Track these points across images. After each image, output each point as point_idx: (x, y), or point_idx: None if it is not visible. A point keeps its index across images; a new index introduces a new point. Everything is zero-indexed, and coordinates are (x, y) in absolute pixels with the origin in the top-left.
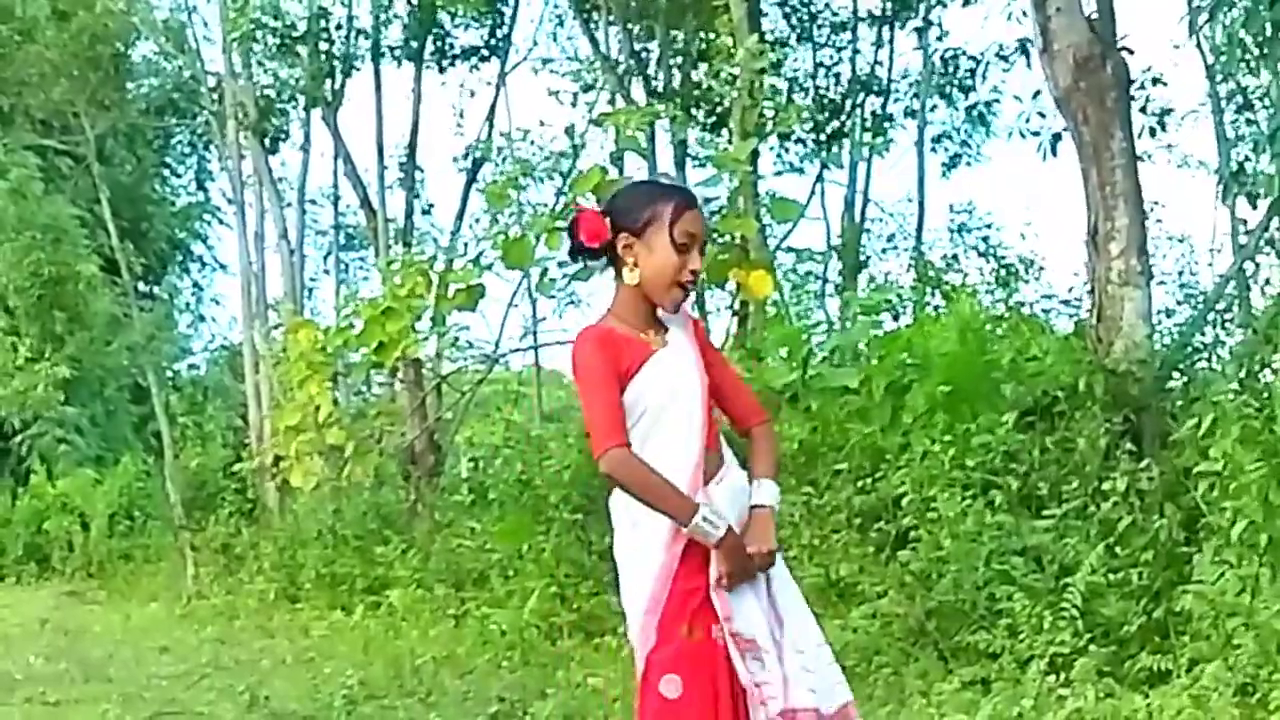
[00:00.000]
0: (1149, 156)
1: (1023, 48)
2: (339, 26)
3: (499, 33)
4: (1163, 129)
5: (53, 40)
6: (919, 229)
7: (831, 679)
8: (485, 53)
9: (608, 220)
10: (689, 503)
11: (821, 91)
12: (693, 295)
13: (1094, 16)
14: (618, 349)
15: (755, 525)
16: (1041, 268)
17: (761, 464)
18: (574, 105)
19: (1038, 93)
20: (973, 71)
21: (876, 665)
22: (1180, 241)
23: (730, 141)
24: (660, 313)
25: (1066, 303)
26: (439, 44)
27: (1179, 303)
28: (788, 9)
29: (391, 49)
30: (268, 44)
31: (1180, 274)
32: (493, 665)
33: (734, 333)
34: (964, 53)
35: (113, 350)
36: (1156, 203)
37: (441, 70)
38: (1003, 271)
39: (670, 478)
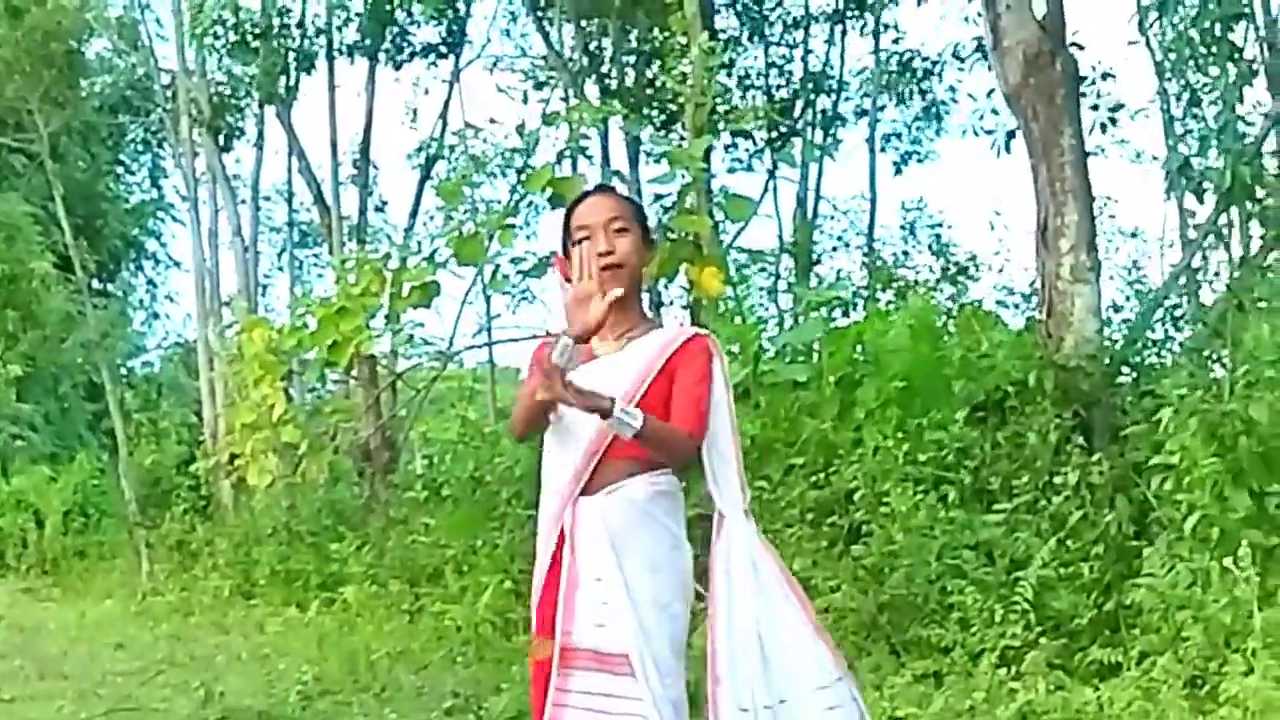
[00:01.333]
0: (1102, 151)
1: (980, 47)
2: (299, 24)
3: (454, 29)
4: (1114, 124)
5: (5, 37)
6: (870, 226)
7: None
8: (442, 49)
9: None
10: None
11: (773, 90)
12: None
13: (1044, 15)
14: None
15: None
16: (998, 265)
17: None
18: (525, 102)
19: (992, 90)
20: (928, 72)
21: None
22: (1133, 236)
23: (684, 139)
24: (640, 322)
25: (1026, 297)
26: (395, 41)
27: (1126, 299)
28: (740, 7)
29: (348, 46)
30: (227, 39)
31: (1128, 270)
32: (447, 661)
33: None
34: (918, 54)
35: (67, 347)
36: (1110, 198)
37: (397, 67)
38: (953, 268)
39: (552, 483)
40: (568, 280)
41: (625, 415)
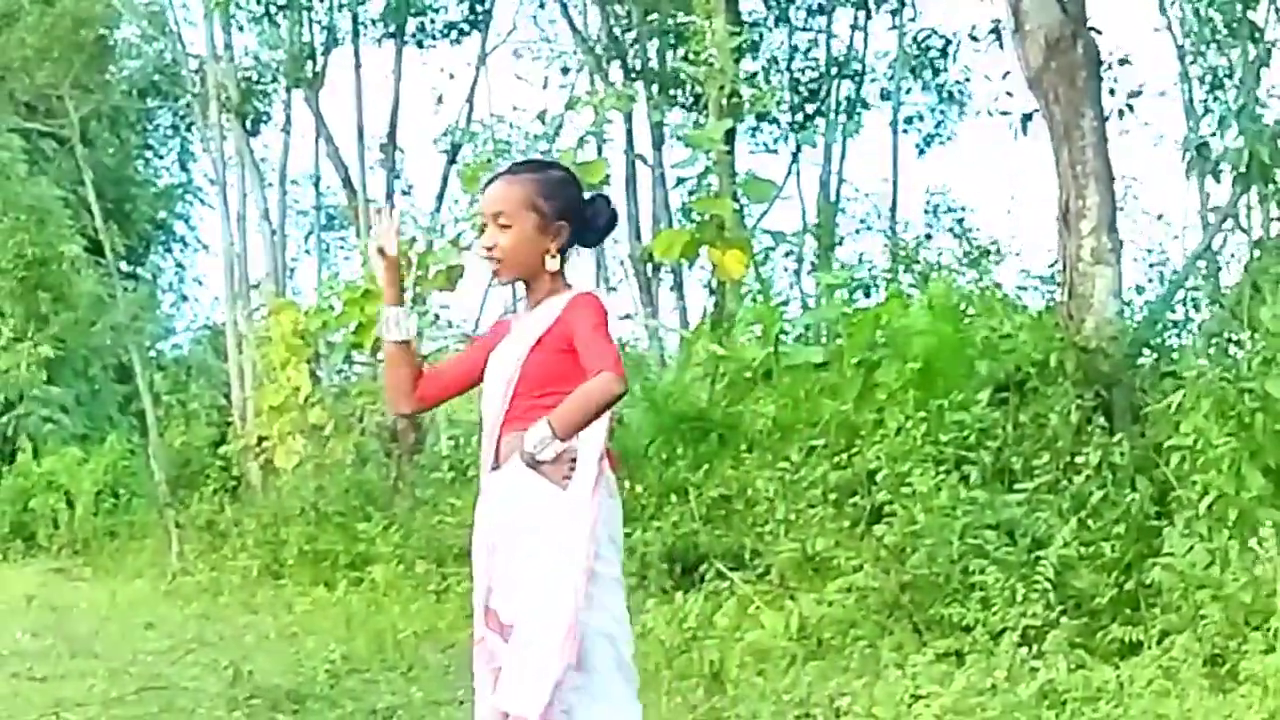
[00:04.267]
0: (1127, 132)
1: (995, 29)
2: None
3: (478, 10)
4: (1131, 110)
5: (36, 24)
6: (893, 209)
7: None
8: (464, 27)
9: None
10: None
11: (797, 74)
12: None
13: None
14: (494, 334)
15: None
16: (1017, 248)
17: (555, 411)
18: (544, 87)
19: (1008, 73)
20: (944, 52)
21: (852, 638)
22: (1157, 218)
23: (707, 123)
24: (551, 294)
25: (1046, 279)
26: (420, 21)
27: (1149, 281)
28: None
29: (373, 21)
30: (251, 10)
31: (1150, 251)
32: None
33: (710, 311)
34: (937, 33)
35: (97, 330)
36: (1134, 179)
37: (421, 47)
38: (975, 252)
39: (480, 461)
40: None
41: (536, 446)
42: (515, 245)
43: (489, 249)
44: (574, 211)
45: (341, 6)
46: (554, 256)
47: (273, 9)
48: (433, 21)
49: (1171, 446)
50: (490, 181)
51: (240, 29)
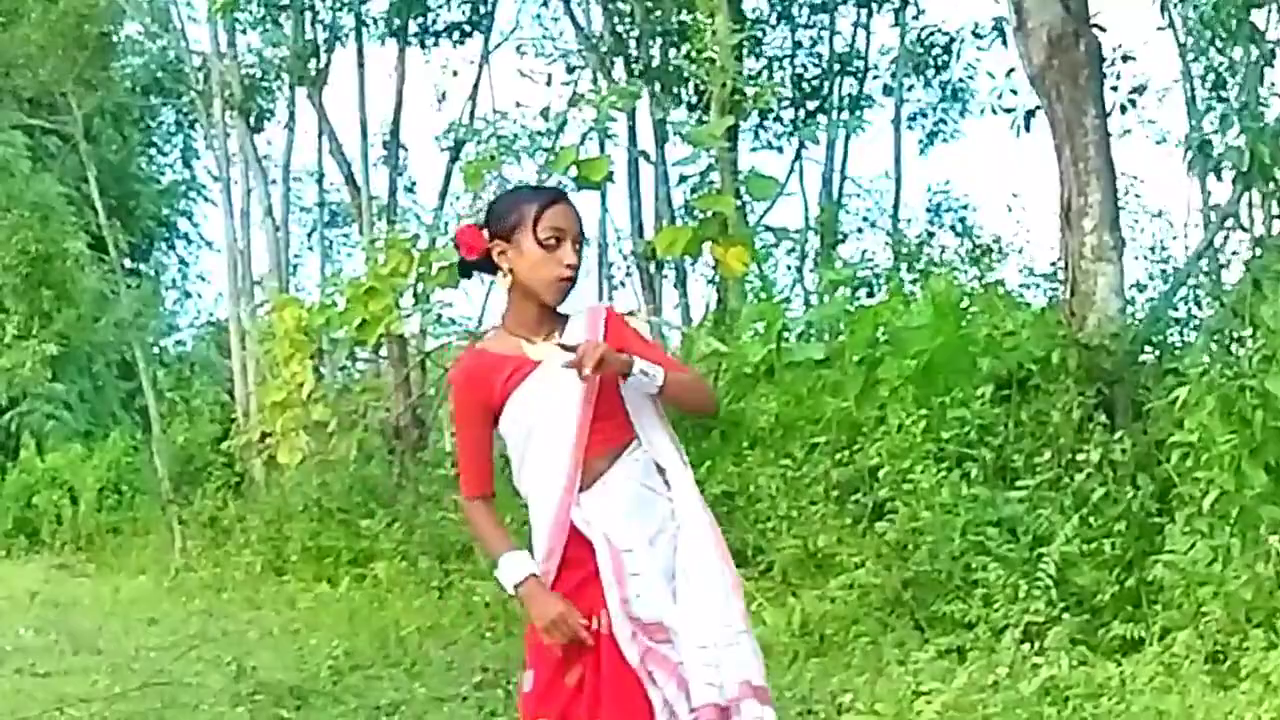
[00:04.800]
0: (1129, 131)
1: (998, 26)
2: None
3: (482, 9)
4: (1133, 105)
5: (40, 21)
6: (895, 206)
7: (732, 661)
8: (466, 27)
9: (485, 231)
10: (499, 552)
11: (800, 71)
12: (582, 284)
13: None
14: (487, 380)
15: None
16: (1020, 245)
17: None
18: (549, 84)
19: (1011, 70)
20: (947, 49)
21: (854, 635)
22: (1159, 216)
23: (708, 120)
24: (561, 309)
25: (1048, 277)
26: (422, 21)
27: (1151, 278)
28: None
29: (375, 20)
30: (252, 13)
31: (1152, 249)
32: (476, 636)
33: (713, 307)
34: (939, 29)
35: (100, 327)
36: (1136, 178)
37: (424, 48)
38: (977, 250)
39: (544, 493)
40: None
41: (645, 375)
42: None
43: (575, 267)
44: None
45: (344, 7)
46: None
47: (275, 12)
48: (434, 21)
49: (1173, 444)
50: (558, 201)
51: (244, 31)
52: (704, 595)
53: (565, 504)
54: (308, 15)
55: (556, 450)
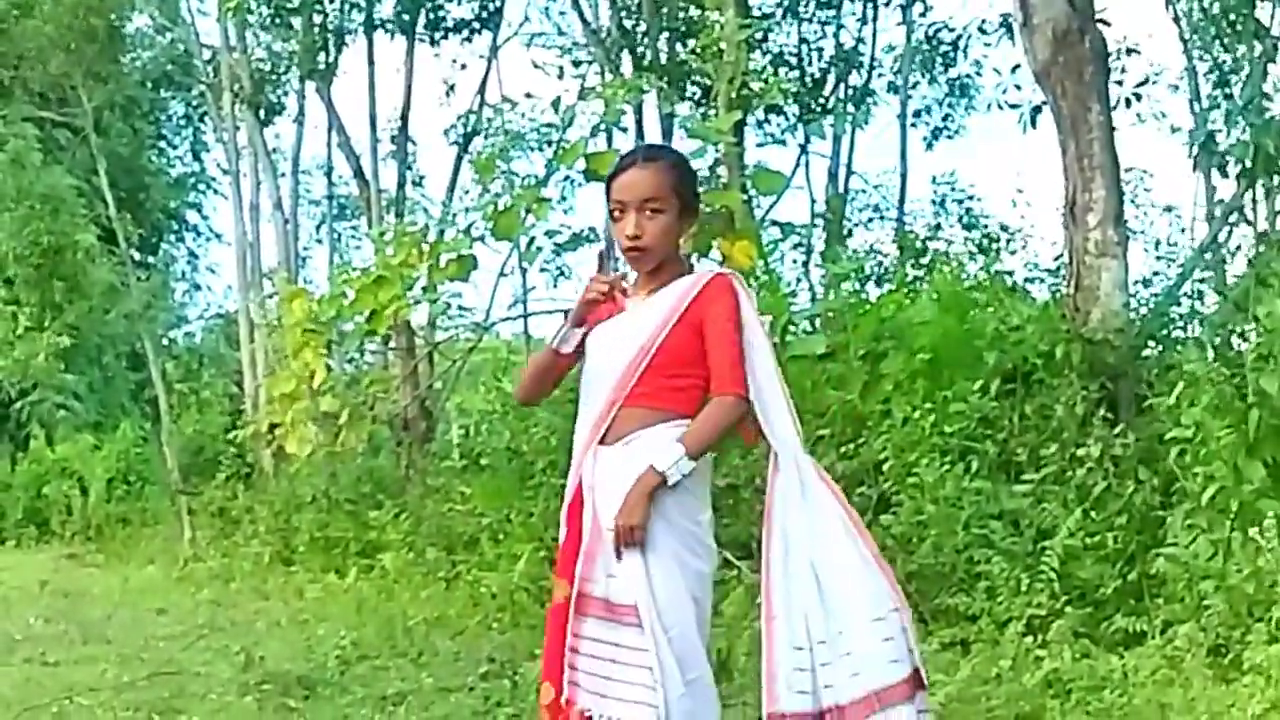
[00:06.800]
0: (1141, 120)
1: (1004, 22)
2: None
3: (490, 6)
4: (1138, 99)
5: (50, 14)
6: (901, 201)
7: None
8: (477, 25)
9: None
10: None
11: (806, 67)
12: (649, 256)
13: None
14: (603, 310)
15: (628, 492)
16: (1025, 239)
17: (687, 432)
18: (560, 77)
19: (1017, 66)
20: (954, 45)
21: None
22: (1167, 210)
23: (716, 114)
24: (673, 275)
25: (1052, 272)
26: (431, 17)
27: (1156, 273)
28: None
29: (384, 21)
30: (262, 14)
31: (1158, 244)
32: (483, 627)
33: None
34: (946, 26)
35: (110, 318)
36: (1144, 172)
37: (434, 43)
38: (983, 241)
39: (581, 426)
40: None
41: (674, 468)
42: (664, 232)
43: (635, 238)
44: (697, 195)
45: (353, 7)
46: (688, 240)
47: (284, 13)
48: (443, 19)
49: (1174, 439)
50: (621, 172)
51: (252, 30)
52: (840, 588)
53: (584, 448)
54: (315, 13)
55: (600, 387)
